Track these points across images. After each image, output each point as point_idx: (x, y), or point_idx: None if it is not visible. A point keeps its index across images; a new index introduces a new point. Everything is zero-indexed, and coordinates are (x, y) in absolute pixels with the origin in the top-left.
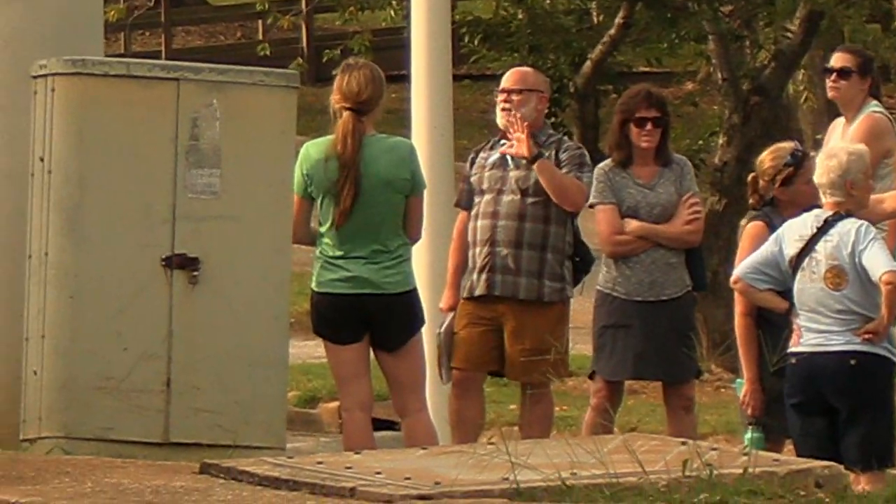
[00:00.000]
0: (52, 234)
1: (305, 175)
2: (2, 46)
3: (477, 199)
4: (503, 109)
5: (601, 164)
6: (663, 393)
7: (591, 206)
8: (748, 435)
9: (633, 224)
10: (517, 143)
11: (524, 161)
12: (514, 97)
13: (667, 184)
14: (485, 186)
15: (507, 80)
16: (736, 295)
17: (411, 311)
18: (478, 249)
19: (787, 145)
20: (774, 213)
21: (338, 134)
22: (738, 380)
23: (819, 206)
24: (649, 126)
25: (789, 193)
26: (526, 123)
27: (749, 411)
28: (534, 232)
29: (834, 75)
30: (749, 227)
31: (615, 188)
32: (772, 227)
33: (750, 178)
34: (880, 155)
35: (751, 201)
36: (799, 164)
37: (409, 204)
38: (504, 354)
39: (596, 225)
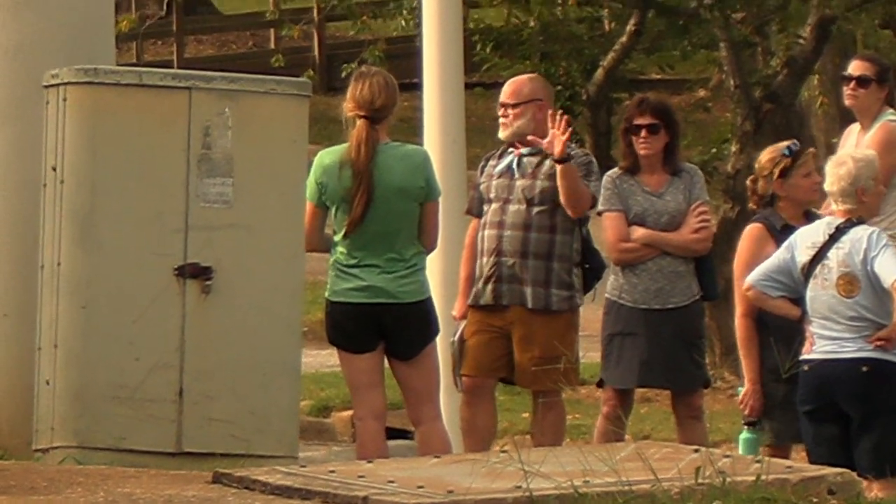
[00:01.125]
0: (65, 243)
1: (319, 183)
2: (13, 56)
3: (485, 208)
4: (503, 124)
5: (610, 172)
6: (672, 401)
7: (599, 214)
8: (742, 435)
9: (638, 231)
10: (555, 140)
11: (534, 165)
12: (510, 111)
13: (675, 192)
14: (492, 195)
15: (503, 94)
16: (737, 297)
17: (426, 320)
18: (485, 259)
19: (784, 143)
20: (773, 214)
21: (352, 142)
22: (739, 387)
23: (815, 206)
24: (644, 133)
25: (787, 188)
26: (565, 119)
27: (746, 411)
28: (539, 241)
29: (853, 83)
30: (747, 230)
31: (622, 195)
32: (770, 229)
33: (749, 180)
34: (895, 164)
35: (750, 204)
36: (796, 156)
37: (424, 211)
38: (513, 362)
39: (603, 232)
